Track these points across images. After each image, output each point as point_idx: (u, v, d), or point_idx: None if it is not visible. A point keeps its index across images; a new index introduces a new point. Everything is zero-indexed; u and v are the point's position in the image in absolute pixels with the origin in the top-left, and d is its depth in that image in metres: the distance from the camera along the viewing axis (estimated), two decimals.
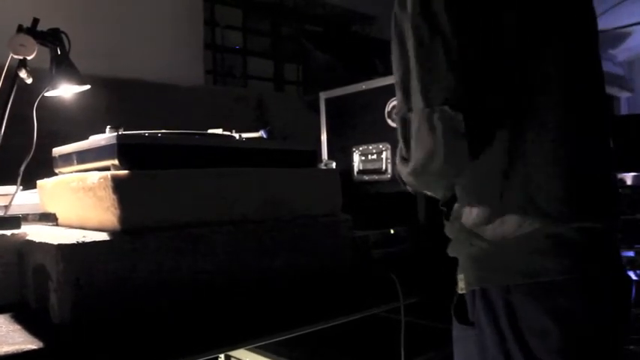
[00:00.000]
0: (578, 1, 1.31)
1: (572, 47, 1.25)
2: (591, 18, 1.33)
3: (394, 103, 2.52)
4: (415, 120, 1.19)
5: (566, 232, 1.18)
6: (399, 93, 1.26)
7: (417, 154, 1.21)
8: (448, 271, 1.40)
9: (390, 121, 2.55)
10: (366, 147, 2.66)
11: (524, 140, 1.19)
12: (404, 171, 1.28)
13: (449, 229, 1.36)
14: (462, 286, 1.32)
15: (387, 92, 2.56)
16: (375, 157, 2.62)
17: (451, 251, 1.36)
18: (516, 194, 1.20)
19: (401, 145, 1.28)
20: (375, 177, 2.62)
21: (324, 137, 2.91)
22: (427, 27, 1.15)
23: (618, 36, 5.40)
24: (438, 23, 1.15)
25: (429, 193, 1.39)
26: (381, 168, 2.59)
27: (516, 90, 1.19)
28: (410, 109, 1.22)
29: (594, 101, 1.29)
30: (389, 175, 2.56)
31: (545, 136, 1.19)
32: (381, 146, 2.59)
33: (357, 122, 2.73)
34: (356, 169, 2.70)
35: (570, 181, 1.20)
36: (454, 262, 1.37)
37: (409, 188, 1.37)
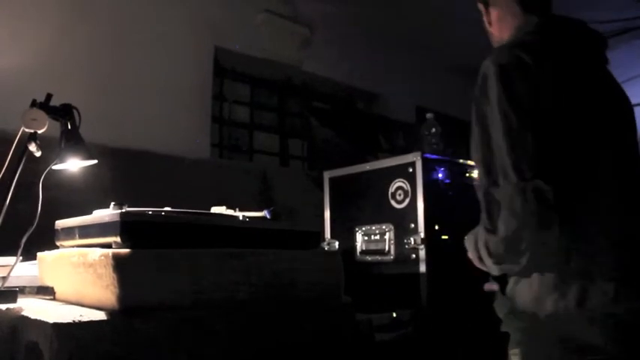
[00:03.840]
0: (617, 90, 1.56)
1: (621, 138, 1.46)
2: (629, 107, 1.55)
3: (398, 184, 2.54)
4: (507, 192, 1.33)
5: (622, 313, 1.30)
6: (481, 169, 1.42)
7: (509, 224, 1.32)
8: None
9: (393, 202, 2.55)
10: (369, 227, 2.65)
11: (587, 218, 1.35)
12: (492, 240, 1.38)
13: (501, 305, 1.48)
14: None
15: (391, 173, 2.58)
16: (378, 237, 2.61)
17: (505, 327, 1.47)
18: (578, 270, 1.32)
19: (484, 216, 1.40)
20: (378, 258, 2.60)
21: (327, 215, 2.91)
22: (514, 114, 1.34)
23: None
24: (525, 111, 1.34)
25: (504, 267, 1.44)
26: (384, 249, 2.57)
27: (578, 174, 1.37)
28: (494, 184, 1.37)
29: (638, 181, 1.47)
30: (392, 256, 2.53)
31: (605, 217, 1.36)
32: (384, 227, 2.58)
33: (360, 202, 2.73)
34: (359, 249, 2.68)
35: (627, 261, 1.34)
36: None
37: (490, 261, 1.43)
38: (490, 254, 1.41)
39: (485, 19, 1.67)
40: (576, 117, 1.40)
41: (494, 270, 1.47)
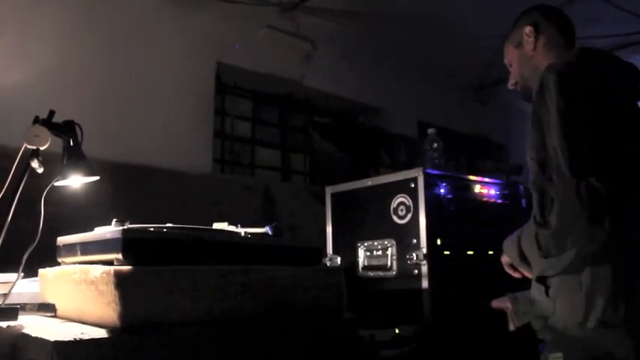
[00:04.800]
0: None
1: None
2: None
3: (400, 199, 2.54)
4: (560, 188, 1.43)
5: None
6: (536, 168, 1.53)
7: (560, 217, 1.42)
8: None
9: (395, 218, 2.55)
10: (371, 243, 2.64)
11: (631, 220, 1.44)
12: (543, 233, 1.48)
13: (539, 313, 1.56)
14: None
15: (393, 188, 2.57)
16: (380, 253, 2.60)
17: (542, 334, 1.56)
18: (623, 274, 1.42)
19: (536, 210, 1.50)
20: (380, 273, 2.59)
21: (329, 230, 2.90)
22: (571, 117, 1.46)
23: None
24: (580, 115, 1.47)
25: (549, 262, 1.50)
26: (387, 264, 2.56)
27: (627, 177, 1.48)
28: (549, 180, 1.47)
29: None
30: (394, 272, 2.52)
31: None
32: (386, 242, 2.57)
33: (362, 217, 2.72)
34: (361, 265, 2.67)
35: None
36: None
37: (538, 254, 1.51)
38: (539, 247, 1.50)
39: (531, 41, 1.80)
40: (622, 126, 1.53)
41: (538, 266, 1.54)
